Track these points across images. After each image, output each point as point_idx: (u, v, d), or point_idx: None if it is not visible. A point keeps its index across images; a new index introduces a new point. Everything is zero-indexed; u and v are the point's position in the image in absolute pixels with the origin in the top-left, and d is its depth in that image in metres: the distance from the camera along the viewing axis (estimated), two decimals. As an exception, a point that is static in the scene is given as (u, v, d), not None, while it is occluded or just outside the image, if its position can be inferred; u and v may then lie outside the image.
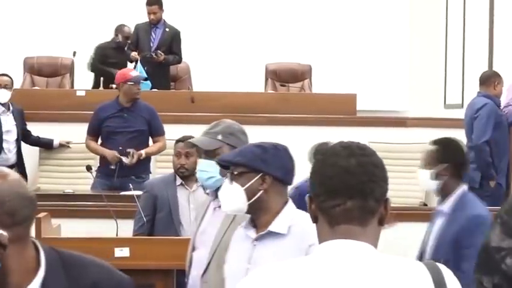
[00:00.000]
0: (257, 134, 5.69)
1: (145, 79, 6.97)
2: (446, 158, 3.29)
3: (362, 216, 1.53)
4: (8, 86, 6.47)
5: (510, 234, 0.91)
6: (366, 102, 7.79)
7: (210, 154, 2.79)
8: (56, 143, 6.37)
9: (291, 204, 2.56)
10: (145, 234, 4.31)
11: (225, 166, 2.75)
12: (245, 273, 2.44)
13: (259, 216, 2.53)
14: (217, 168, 2.65)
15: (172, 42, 7.67)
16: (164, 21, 7.74)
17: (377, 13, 9.19)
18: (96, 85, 7.56)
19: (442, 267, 1.59)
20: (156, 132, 5.94)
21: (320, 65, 8.65)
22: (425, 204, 6.55)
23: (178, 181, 4.48)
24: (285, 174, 2.56)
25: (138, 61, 7.45)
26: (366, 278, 1.49)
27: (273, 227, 2.48)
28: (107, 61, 7.72)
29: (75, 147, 6.45)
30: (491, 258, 0.90)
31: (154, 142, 5.96)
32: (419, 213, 5.29)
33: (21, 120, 6.36)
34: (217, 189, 2.73)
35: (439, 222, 3.27)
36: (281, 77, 8.48)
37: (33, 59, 7.99)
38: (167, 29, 7.70)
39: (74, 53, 7.70)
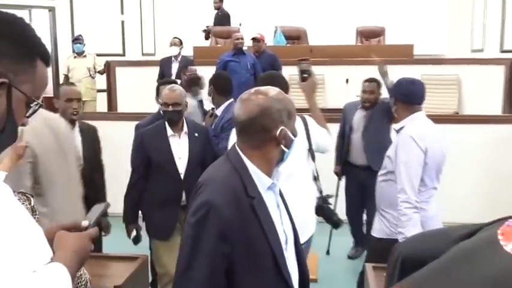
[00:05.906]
0: (350, 71, 7.39)
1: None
2: None
3: None
4: (176, 44, 7.42)
5: None
6: (419, 49, 8.79)
7: None
8: None
9: (412, 117, 2.90)
10: None
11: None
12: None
13: (396, 120, 3.04)
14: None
15: None
16: None
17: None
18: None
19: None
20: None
21: (390, 26, 9.72)
22: (457, 113, 7.65)
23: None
24: (407, 97, 2.92)
25: (278, 29, 8.98)
26: None
27: (394, 125, 3.07)
28: None
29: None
30: None
31: None
32: (453, 118, 6.13)
33: (184, 67, 6.57)
34: None
35: None
36: (365, 34, 9.61)
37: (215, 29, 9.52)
38: None
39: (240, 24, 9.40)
